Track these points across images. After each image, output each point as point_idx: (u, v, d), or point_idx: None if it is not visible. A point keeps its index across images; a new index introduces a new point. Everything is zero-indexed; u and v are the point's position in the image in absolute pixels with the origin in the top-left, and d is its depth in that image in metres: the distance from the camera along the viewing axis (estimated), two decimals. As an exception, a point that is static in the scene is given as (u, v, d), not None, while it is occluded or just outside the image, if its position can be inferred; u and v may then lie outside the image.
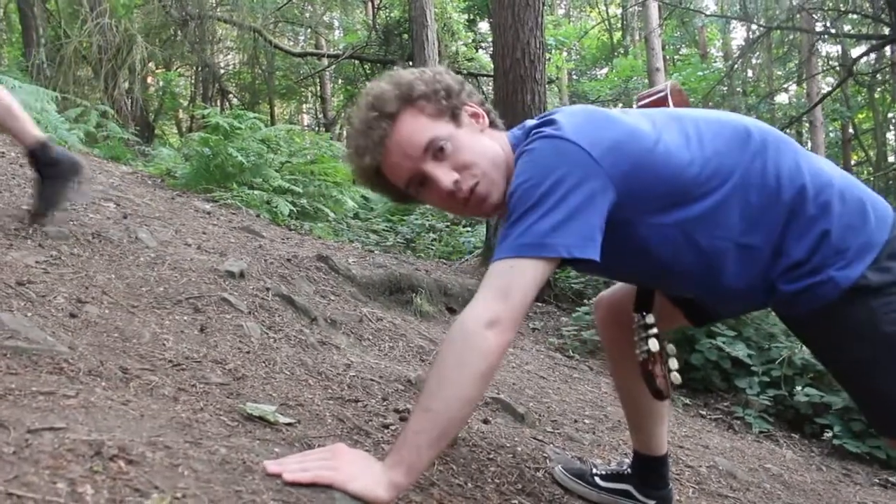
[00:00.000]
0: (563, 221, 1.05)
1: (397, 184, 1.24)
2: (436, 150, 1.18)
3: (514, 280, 1.05)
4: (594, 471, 1.63)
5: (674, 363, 1.36)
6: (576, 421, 2.27)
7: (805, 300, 1.14)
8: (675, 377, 1.36)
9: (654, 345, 1.32)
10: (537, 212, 1.06)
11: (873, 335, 1.12)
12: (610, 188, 1.10)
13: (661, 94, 1.48)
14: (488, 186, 1.19)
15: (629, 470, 1.61)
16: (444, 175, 1.18)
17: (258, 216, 4.41)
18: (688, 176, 1.13)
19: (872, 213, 1.16)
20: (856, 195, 1.17)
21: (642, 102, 1.49)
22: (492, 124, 1.28)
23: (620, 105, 17.93)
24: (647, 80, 13.57)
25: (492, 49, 7.01)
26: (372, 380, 1.88)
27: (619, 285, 1.54)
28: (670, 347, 1.38)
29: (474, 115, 1.26)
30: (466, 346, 1.03)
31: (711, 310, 1.42)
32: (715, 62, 18.03)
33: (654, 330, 1.34)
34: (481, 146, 1.21)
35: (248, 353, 1.77)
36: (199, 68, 13.23)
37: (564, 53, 17.09)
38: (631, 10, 17.62)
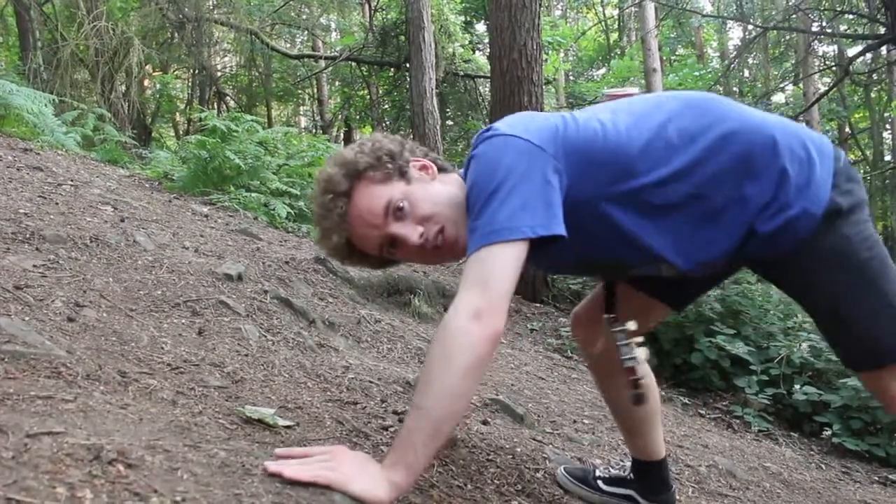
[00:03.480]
0: (523, 205, 1.10)
1: (371, 252, 1.29)
2: (395, 211, 1.23)
3: (489, 268, 1.08)
4: (596, 473, 1.62)
5: (646, 368, 1.39)
6: (575, 421, 2.28)
7: (784, 238, 1.18)
8: (645, 384, 1.39)
9: (642, 353, 1.33)
10: (495, 201, 1.10)
11: (848, 263, 1.19)
12: (559, 168, 1.15)
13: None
14: (454, 228, 1.22)
15: (632, 475, 1.61)
16: (410, 231, 1.22)
17: (256, 219, 4.40)
18: (629, 150, 1.18)
19: (814, 147, 1.21)
20: (794, 133, 1.21)
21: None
22: (441, 169, 1.33)
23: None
24: (643, 81, 13.58)
25: (489, 50, 7.02)
26: (371, 382, 1.88)
27: (588, 298, 1.55)
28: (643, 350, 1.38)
29: (423, 168, 1.30)
30: (451, 341, 1.04)
31: (686, 286, 1.43)
32: (711, 62, 18.07)
33: (640, 339, 1.34)
34: (436, 193, 1.26)
35: (246, 355, 1.77)
36: (196, 71, 13.22)
37: (561, 54, 17.08)
38: (627, 11, 17.64)
